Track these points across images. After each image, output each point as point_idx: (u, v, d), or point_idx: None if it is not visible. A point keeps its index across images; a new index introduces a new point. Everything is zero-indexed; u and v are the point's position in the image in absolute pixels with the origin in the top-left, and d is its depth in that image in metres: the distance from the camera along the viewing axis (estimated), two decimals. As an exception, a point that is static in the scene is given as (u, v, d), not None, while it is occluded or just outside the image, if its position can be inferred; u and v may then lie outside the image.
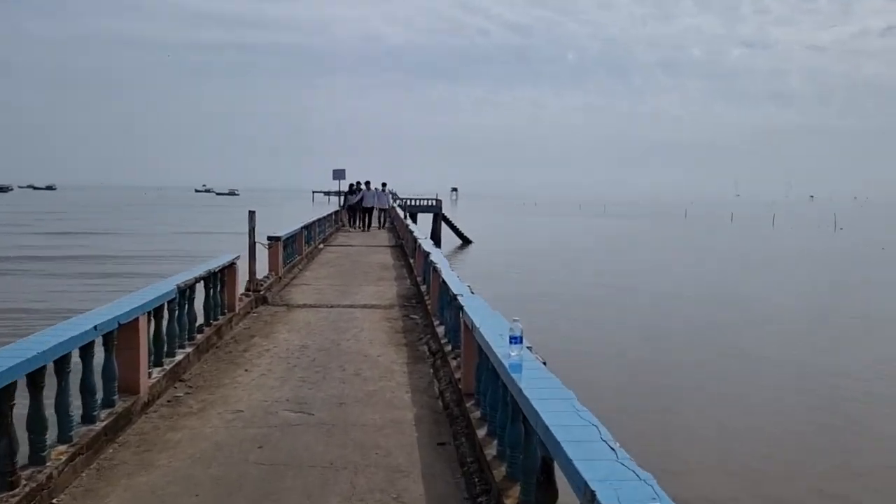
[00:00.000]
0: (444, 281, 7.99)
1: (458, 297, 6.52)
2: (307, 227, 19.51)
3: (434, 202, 56.17)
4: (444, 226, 55.01)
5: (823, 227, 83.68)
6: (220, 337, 8.55)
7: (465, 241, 54.60)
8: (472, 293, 6.85)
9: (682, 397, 15.29)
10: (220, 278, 9.04)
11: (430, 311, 9.92)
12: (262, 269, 13.78)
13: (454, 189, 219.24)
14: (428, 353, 8.12)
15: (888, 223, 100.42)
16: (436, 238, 53.54)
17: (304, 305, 11.32)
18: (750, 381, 16.54)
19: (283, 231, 15.39)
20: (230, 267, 9.36)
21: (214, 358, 7.83)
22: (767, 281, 35.45)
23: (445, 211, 56.77)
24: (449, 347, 7.43)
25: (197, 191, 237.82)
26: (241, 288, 10.52)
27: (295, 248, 16.61)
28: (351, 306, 11.34)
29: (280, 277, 13.70)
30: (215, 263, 8.76)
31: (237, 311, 9.60)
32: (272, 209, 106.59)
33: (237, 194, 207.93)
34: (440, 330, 8.51)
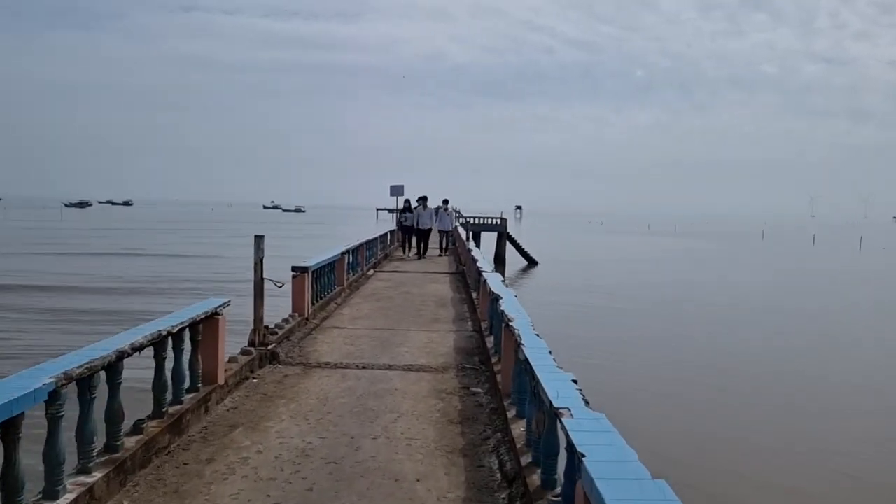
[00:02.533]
0: (527, 359, 4.84)
1: (560, 414, 3.44)
2: (352, 251, 16.67)
3: (498, 221, 53.07)
4: (508, 245, 51.84)
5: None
6: (179, 432, 5.61)
7: (531, 262, 51.22)
8: (585, 402, 3.71)
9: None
10: (193, 336, 6.17)
11: (499, 385, 6.80)
12: (285, 309, 10.93)
13: (518, 207, 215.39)
14: (500, 478, 4.97)
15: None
16: (500, 258, 50.40)
17: (327, 365, 8.31)
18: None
19: (317, 257, 12.54)
20: (210, 319, 6.44)
21: (154, 478, 4.87)
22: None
23: (510, 230, 53.57)
24: (536, 477, 4.33)
25: (265, 207, 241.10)
26: (236, 343, 7.65)
27: (333, 279, 13.72)
28: (390, 367, 8.27)
29: (307, 319, 10.77)
30: (180, 317, 5.85)
31: (223, 381, 6.67)
32: (334, 227, 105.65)
33: (303, 211, 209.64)
34: (517, 430, 5.40)
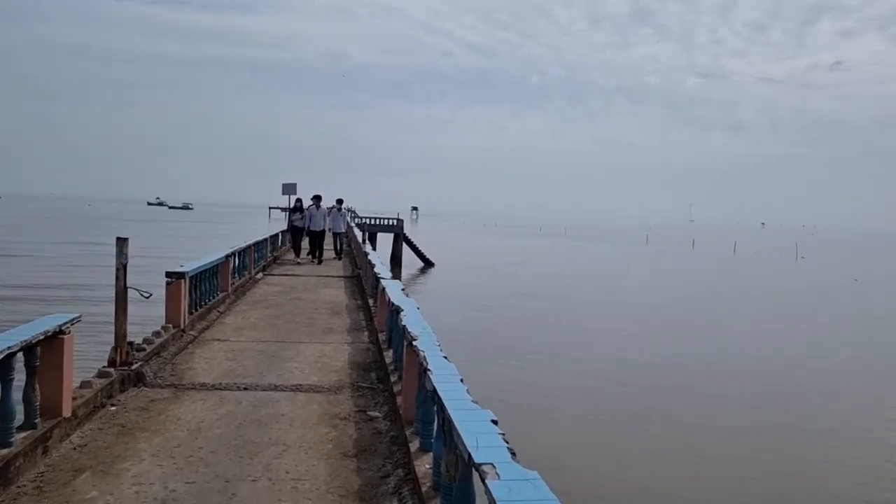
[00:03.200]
0: (435, 391, 4.12)
1: (483, 473, 2.76)
2: (239, 253, 15.46)
3: (395, 222, 52.35)
4: (405, 247, 51.23)
5: (785, 256, 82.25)
6: (5, 483, 4.51)
7: (428, 264, 50.84)
8: (511, 452, 3.03)
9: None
10: (29, 361, 5.06)
11: (400, 410, 6.06)
12: (158, 319, 9.74)
13: (415, 208, 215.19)
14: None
15: (845, 253, 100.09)
16: (397, 260, 49.70)
17: (203, 386, 7.28)
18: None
19: (197, 260, 11.35)
20: (52, 339, 5.34)
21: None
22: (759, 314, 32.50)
23: (406, 231, 52.97)
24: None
25: (149, 203, 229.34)
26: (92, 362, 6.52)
27: (216, 284, 12.53)
28: (276, 387, 7.34)
29: (183, 331, 9.60)
30: (7, 341, 4.74)
31: (70, 412, 5.57)
32: (224, 226, 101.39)
33: (191, 208, 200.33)
34: (421, 466, 4.69)
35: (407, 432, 5.50)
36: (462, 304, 31.34)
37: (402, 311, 6.89)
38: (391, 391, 6.94)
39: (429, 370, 4.50)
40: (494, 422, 3.42)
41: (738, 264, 68.49)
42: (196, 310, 10.77)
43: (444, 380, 4.25)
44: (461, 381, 4.28)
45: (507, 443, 3.13)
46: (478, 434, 3.16)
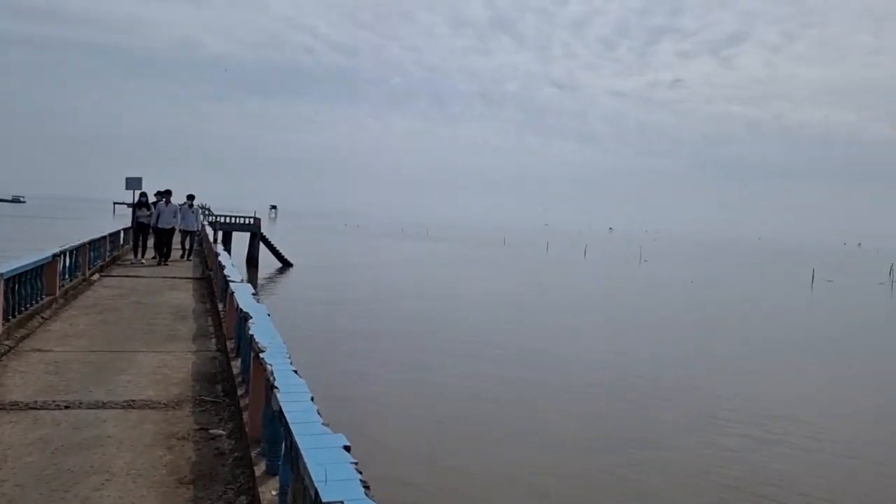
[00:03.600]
0: (282, 412, 3.69)
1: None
2: (71, 252, 14.03)
3: (252, 220, 50.34)
4: (262, 246, 49.39)
5: (630, 259, 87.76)
6: None
7: (286, 264, 49.33)
8: (365, 486, 2.70)
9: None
10: None
11: (246, 427, 5.53)
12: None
13: (273, 207, 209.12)
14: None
15: (683, 257, 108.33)
16: (253, 260, 47.84)
17: (15, 406, 6.33)
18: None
19: (15, 260, 10.06)
20: None
21: None
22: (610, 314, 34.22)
23: (264, 230, 51.11)
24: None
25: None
26: None
27: (41, 286, 11.21)
28: (104, 405, 6.53)
29: (-6, 340, 8.43)
30: None
31: None
32: (60, 221, 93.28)
33: (22, 201, 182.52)
34: (267, 492, 4.24)
35: (253, 453, 5.00)
36: (320, 306, 30.59)
37: (251, 318, 6.35)
38: (238, 405, 6.38)
39: (276, 387, 4.06)
40: (347, 448, 3.06)
41: (588, 266, 72.11)
42: (13, 316, 9.53)
43: (293, 398, 3.83)
44: (311, 399, 3.88)
45: (361, 473, 2.78)
46: (327, 464, 2.79)
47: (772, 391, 20.03)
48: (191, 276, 17.92)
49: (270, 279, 41.97)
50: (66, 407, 6.41)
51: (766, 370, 23.02)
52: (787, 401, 18.87)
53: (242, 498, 4.58)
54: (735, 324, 34.20)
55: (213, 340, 9.98)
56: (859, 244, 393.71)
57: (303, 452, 2.96)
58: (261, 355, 4.96)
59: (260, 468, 4.72)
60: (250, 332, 5.82)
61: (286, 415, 3.52)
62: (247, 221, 50.17)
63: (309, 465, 2.80)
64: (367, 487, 2.63)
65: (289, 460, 3.58)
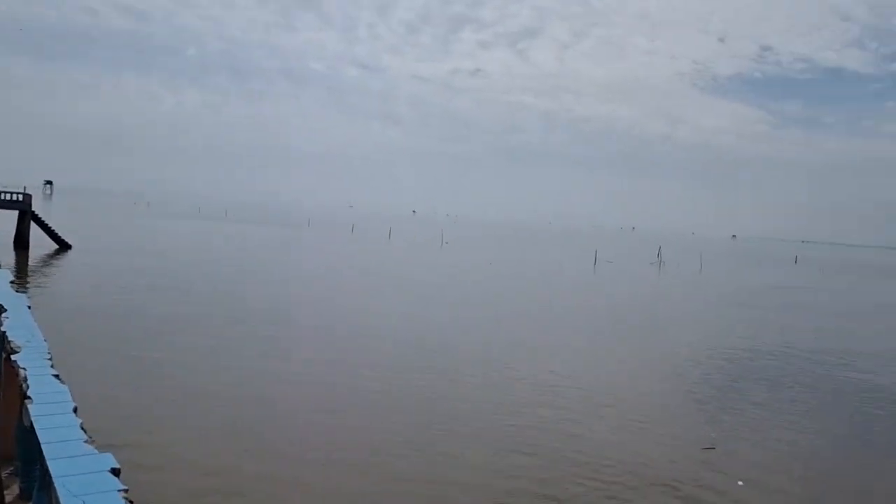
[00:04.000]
0: (32, 429, 3.10)
1: None
2: None
3: (20, 196, 44.60)
4: (34, 226, 44.00)
5: (433, 242, 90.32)
6: None
7: (64, 246, 44.44)
8: None
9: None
10: None
11: (-3, 441, 4.72)
12: None
13: (48, 182, 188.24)
14: None
15: (482, 240, 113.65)
16: (23, 241, 42.55)
17: None
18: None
19: None
20: None
21: None
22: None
23: (37, 208, 45.57)
24: None
25: None
26: None
27: None
28: None
29: None
30: None
31: None
32: None
33: None
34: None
35: (5, 473, 4.26)
36: (101, 292, 27.90)
37: (5, 311, 5.44)
38: (-12, 416, 5.45)
39: (28, 397, 3.43)
40: (116, 471, 2.61)
41: (393, 249, 73.04)
42: None
43: (50, 411, 3.25)
44: (75, 410, 3.32)
45: (131, 503, 2.36)
46: (86, 495, 2.34)
47: (566, 359, 21.52)
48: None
49: (44, 263, 37.56)
50: None
51: (554, 341, 24.65)
52: (576, 368, 20.37)
53: (-12, 529, 3.88)
54: (526, 302, 36.34)
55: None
56: (633, 228, 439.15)
57: (55, 480, 2.47)
58: (13, 357, 4.22)
59: (13, 491, 4.03)
60: (2, 329, 4.97)
61: (39, 432, 2.96)
62: (14, 198, 44.38)
63: (61, 497, 2.33)
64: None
65: (44, 486, 3.03)
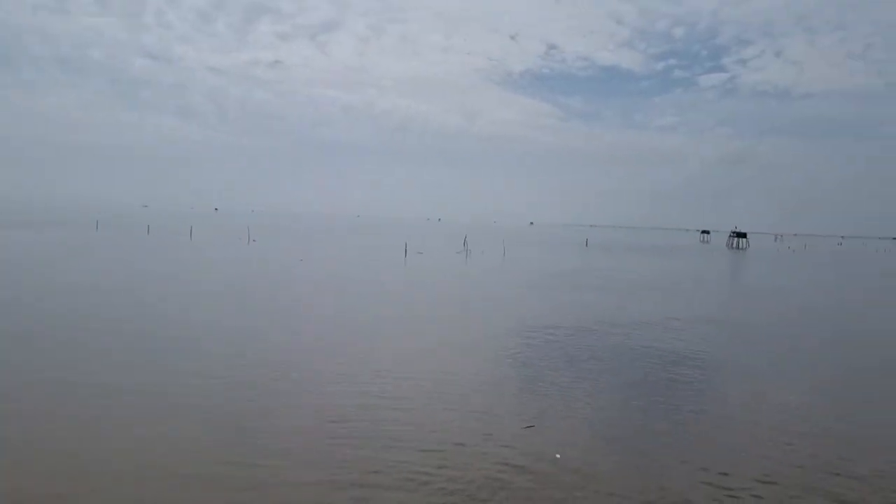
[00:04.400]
0: None
1: None
2: None
3: None
4: None
5: (238, 239, 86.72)
6: None
7: None
8: None
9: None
10: None
11: None
12: None
13: None
14: None
15: (291, 236, 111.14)
16: None
17: None
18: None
19: None
20: None
21: None
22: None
23: None
24: None
25: None
26: None
27: None
28: None
29: None
30: None
31: None
32: None
33: None
34: None
35: None
36: None
37: None
38: None
39: None
40: None
41: (196, 248, 68.96)
42: None
43: None
44: None
45: None
46: None
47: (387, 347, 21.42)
48: None
49: None
50: None
51: (371, 335, 24.47)
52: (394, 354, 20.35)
53: None
54: (342, 296, 35.90)
55: None
56: (439, 219, 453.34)
57: None
58: None
59: None
60: None
61: None
62: None
63: None
64: None
65: None
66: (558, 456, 12.45)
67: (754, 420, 15.54)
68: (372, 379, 17.63)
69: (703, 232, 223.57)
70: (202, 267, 50.89)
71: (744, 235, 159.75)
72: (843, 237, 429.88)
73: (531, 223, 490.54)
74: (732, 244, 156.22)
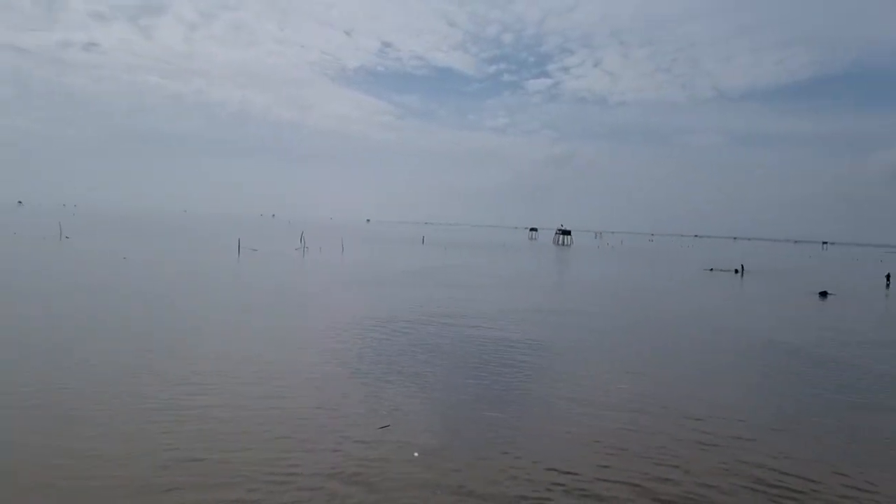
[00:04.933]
0: None
1: None
2: None
3: None
4: None
5: (49, 236, 79.12)
6: None
7: None
8: None
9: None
10: None
11: None
12: None
13: None
14: None
15: (111, 232, 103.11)
16: None
17: None
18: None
19: None
20: None
21: None
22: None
23: None
24: None
25: None
26: None
27: None
28: None
29: None
30: None
31: None
32: None
33: None
34: None
35: None
36: None
37: None
38: None
39: None
40: None
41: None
42: None
43: None
44: None
45: None
46: None
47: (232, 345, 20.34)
48: None
49: None
50: None
51: (201, 337, 23.20)
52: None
53: None
54: (172, 298, 33.72)
55: None
56: (273, 215, 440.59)
57: None
58: None
59: None
60: None
61: None
62: None
63: None
64: None
65: None
66: (416, 455, 12.46)
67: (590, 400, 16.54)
68: (202, 382, 16.69)
69: (532, 230, 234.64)
70: (8, 267, 45.63)
71: (568, 233, 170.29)
72: (653, 234, 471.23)
73: (368, 220, 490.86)
74: (558, 241, 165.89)
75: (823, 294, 53.07)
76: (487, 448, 13.08)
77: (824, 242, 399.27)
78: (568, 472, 12.15)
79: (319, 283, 45.74)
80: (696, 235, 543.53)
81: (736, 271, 79.96)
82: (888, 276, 72.97)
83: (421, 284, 45.60)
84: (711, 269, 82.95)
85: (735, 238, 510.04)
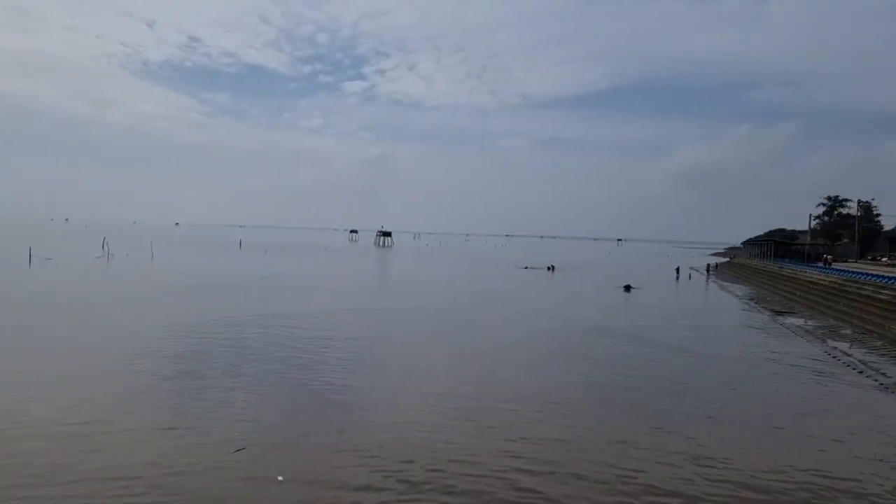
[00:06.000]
0: None
1: None
2: None
3: None
4: None
5: None
6: None
7: None
8: None
9: None
10: None
11: None
12: None
13: None
14: None
15: None
16: None
17: None
18: None
19: None
20: None
21: None
22: None
23: None
24: None
25: None
26: None
27: None
28: None
29: None
30: None
31: None
32: None
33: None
34: None
35: None
36: None
37: None
38: None
39: None
40: None
41: None
42: None
43: None
44: None
45: None
46: None
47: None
48: None
49: None
50: None
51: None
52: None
53: None
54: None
55: None
56: (66, 219, 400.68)
57: None
58: None
59: None
60: None
61: None
62: None
63: None
64: None
65: None
66: (280, 478, 11.64)
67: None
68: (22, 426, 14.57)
69: (352, 231, 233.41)
70: None
71: (389, 234, 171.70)
72: (468, 235, 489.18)
73: (177, 224, 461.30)
74: (379, 242, 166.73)
75: (627, 288, 57.95)
76: (334, 456, 12.53)
77: (619, 239, 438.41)
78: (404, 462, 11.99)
79: (127, 291, 41.87)
80: (507, 235, 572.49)
81: (548, 269, 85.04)
82: (678, 270, 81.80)
83: (246, 290, 43.61)
84: (526, 267, 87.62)
85: (542, 237, 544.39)
